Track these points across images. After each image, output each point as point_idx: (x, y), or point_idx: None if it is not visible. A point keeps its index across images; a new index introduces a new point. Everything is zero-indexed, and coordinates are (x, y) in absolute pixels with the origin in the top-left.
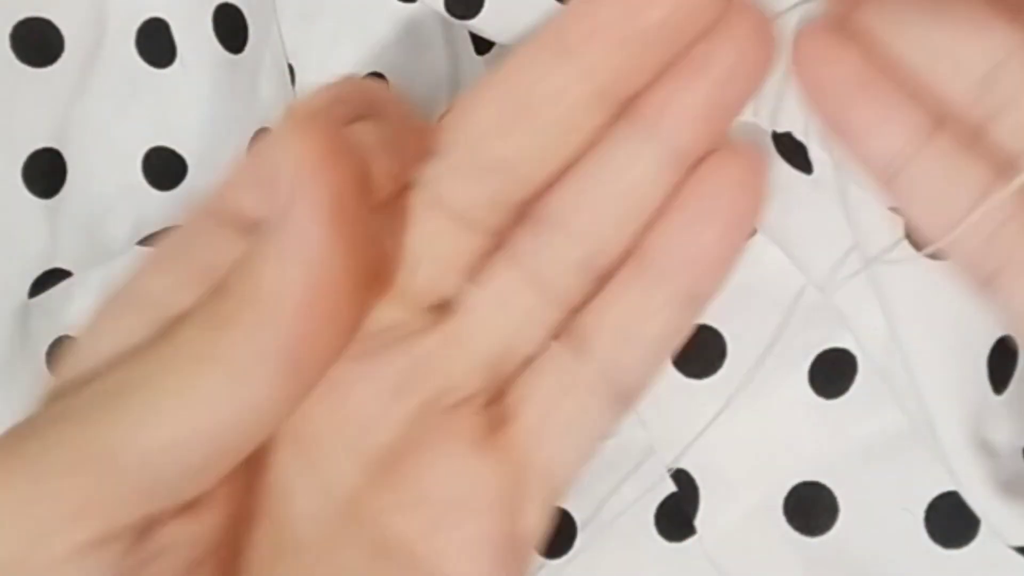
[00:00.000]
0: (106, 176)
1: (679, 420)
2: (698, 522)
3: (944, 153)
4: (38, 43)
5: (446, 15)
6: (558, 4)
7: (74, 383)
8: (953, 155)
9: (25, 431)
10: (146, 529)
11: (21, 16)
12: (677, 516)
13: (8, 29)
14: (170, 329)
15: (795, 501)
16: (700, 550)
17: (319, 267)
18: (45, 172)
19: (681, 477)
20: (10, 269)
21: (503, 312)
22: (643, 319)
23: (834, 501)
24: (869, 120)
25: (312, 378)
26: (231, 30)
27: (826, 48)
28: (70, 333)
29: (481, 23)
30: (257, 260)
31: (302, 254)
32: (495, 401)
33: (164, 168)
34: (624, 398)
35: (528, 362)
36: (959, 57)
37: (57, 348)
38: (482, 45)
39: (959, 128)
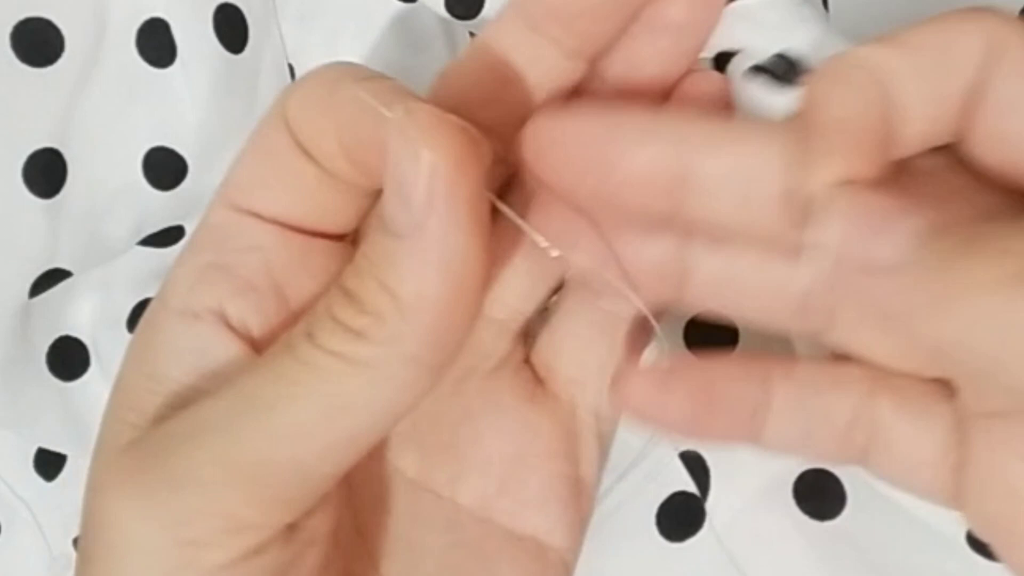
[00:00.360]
0: (106, 176)
1: None
2: (709, 504)
3: (788, 390)
4: (38, 43)
5: (446, 15)
6: None
7: (185, 397)
8: (795, 388)
9: (162, 447)
10: (293, 528)
11: (21, 16)
12: (678, 516)
13: (8, 29)
14: (295, 341)
15: (805, 485)
16: (700, 550)
17: (461, 272)
18: (45, 172)
19: (691, 458)
20: (10, 269)
21: (513, 274)
22: None
23: (841, 488)
24: (726, 427)
25: (444, 374)
26: (231, 30)
27: (656, 391)
28: (70, 333)
29: (481, 23)
30: (393, 268)
31: (445, 261)
32: (529, 358)
33: (164, 168)
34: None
35: (550, 309)
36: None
37: (57, 348)
38: None
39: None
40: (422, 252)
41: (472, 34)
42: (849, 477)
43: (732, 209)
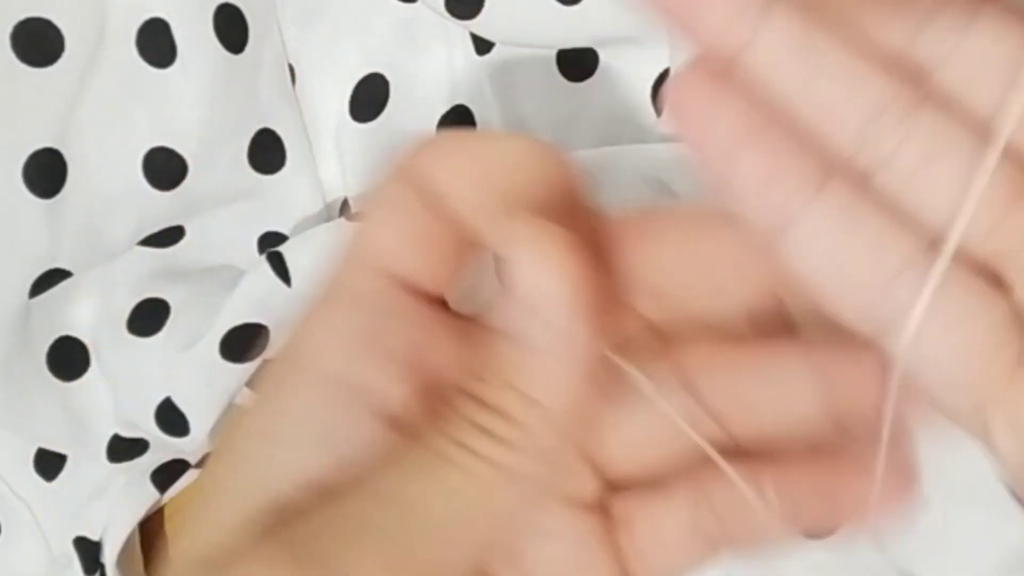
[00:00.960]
0: (106, 176)
1: None
2: None
3: (836, 205)
4: (38, 43)
5: (446, 15)
6: (558, 5)
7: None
8: (845, 207)
9: (320, 546)
10: None
11: (21, 16)
12: None
13: (8, 29)
14: (443, 446)
15: None
16: None
17: (594, 374)
18: (45, 172)
19: None
20: (10, 269)
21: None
22: None
23: None
24: (756, 175)
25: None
26: (231, 30)
27: (706, 97)
28: (70, 333)
29: (481, 24)
30: (534, 380)
31: (584, 369)
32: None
33: (164, 168)
34: None
35: None
36: (838, 108)
37: (57, 348)
38: (482, 45)
39: (848, 178)
40: (563, 364)
41: (472, 35)
42: None
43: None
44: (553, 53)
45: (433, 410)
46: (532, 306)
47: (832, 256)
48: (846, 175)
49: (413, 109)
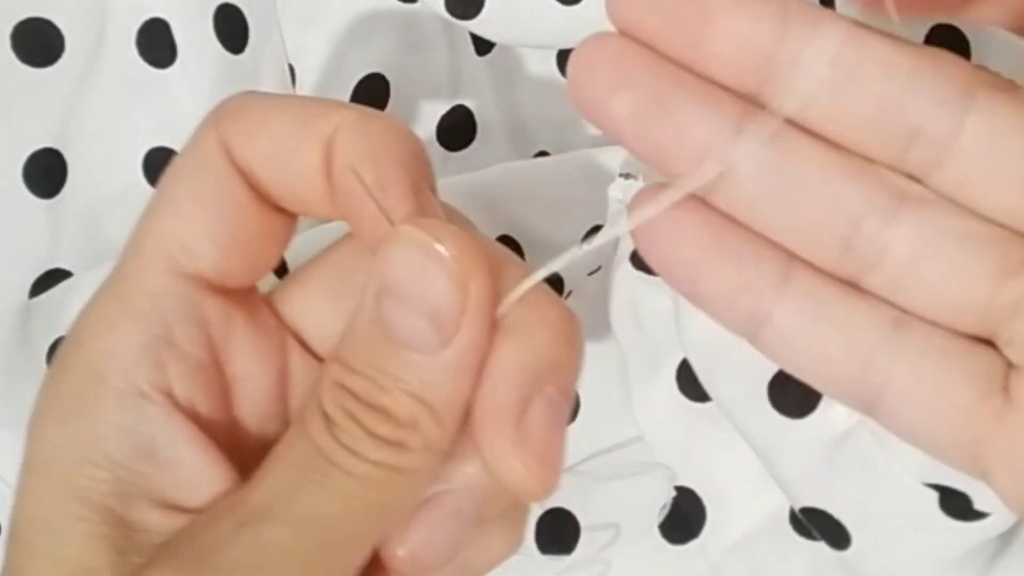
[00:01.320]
0: (106, 176)
1: (681, 441)
2: (703, 537)
3: (801, 296)
4: (38, 43)
5: (446, 15)
6: (558, 5)
7: None
8: (810, 295)
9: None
10: None
11: (21, 16)
12: (679, 519)
13: (8, 29)
14: (336, 456)
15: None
16: (698, 553)
17: (479, 370)
18: (45, 172)
19: (686, 495)
20: (10, 269)
21: None
22: None
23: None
24: (720, 293)
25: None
26: (232, 30)
27: (666, 220)
28: None
29: (481, 24)
30: (422, 382)
31: (474, 367)
32: None
33: (164, 168)
34: None
35: None
36: (818, 227)
37: (57, 348)
38: (482, 45)
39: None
40: (455, 365)
41: (472, 35)
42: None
43: (826, 99)
44: (553, 53)
45: (307, 409)
46: (418, 304)
47: (807, 345)
48: (803, 263)
49: (413, 109)
